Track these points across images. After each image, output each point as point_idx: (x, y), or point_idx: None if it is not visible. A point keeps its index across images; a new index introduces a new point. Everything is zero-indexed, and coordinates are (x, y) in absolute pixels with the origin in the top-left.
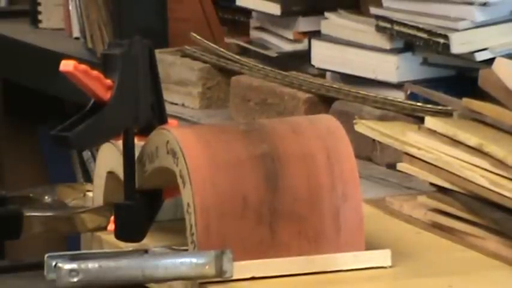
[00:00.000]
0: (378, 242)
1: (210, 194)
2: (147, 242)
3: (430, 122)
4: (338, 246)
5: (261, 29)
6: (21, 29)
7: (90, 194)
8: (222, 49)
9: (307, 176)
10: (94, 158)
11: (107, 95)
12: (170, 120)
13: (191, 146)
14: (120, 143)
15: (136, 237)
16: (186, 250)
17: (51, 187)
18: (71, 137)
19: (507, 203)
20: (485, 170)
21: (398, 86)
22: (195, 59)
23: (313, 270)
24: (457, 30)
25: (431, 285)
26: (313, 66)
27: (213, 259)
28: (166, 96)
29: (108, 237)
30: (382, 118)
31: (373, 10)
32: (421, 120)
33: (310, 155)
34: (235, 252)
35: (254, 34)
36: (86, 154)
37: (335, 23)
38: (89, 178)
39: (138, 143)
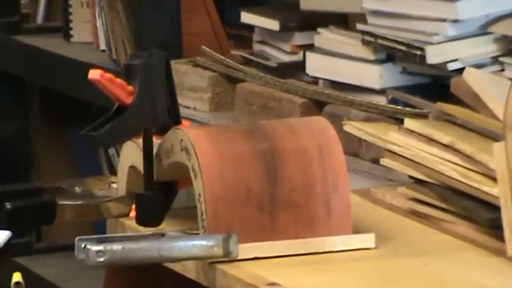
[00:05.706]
0: (364, 226)
1: (218, 185)
2: (164, 226)
3: (408, 123)
4: (329, 230)
5: (262, 42)
6: (55, 42)
7: (114, 185)
8: (228, 60)
9: (302, 169)
10: (118, 154)
11: (129, 100)
12: (184, 121)
13: (202, 144)
14: (140, 141)
15: (155, 222)
16: (197, 234)
17: (80, 179)
18: (98, 136)
19: (475, 192)
20: (456, 164)
21: (381, 91)
22: (205, 68)
23: (308, 251)
24: (432, 43)
25: (410, 264)
26: (307, 74)
27: (220, 242)
28: (180, 100)
29: (130, 222)
30: (367, 120)
31: (359, 26)
32: (400, 121)
33: (305, 151)
34: (240, 235)
35: (256, 47)
36: (111, 150)
37: (326, 37)
38: (113, 171)
39: (156, 141)
